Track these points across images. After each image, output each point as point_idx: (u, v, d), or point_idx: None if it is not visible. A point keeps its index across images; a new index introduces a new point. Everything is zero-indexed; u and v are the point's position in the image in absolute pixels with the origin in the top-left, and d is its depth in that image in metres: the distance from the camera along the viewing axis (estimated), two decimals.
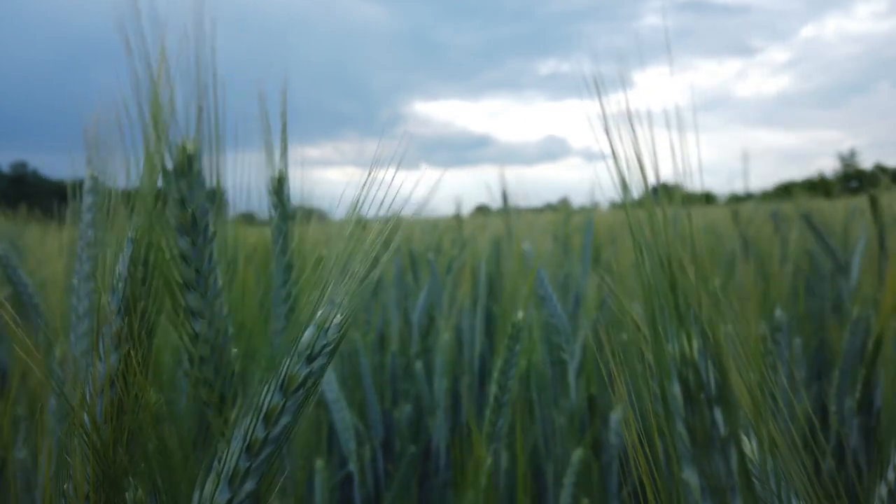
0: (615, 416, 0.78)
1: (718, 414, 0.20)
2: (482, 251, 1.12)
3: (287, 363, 0.23)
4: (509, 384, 0.49)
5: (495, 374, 0.49)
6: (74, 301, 0.51)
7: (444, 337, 1.02)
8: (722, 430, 0.19)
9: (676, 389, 0.20)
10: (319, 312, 0.24)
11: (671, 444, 0.20)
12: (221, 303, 0.25)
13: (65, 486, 0.29)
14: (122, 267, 0.28)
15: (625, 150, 0.20)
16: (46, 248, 0.86)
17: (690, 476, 0.20)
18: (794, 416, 0.22)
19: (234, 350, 0.26)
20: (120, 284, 0.28)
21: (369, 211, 0.25)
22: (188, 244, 0.24)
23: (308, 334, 0.23)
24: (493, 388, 0.49)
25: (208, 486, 0.24)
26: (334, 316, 0.24)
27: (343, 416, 0.77)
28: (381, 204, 0.26)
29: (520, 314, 0.49)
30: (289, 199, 0.32)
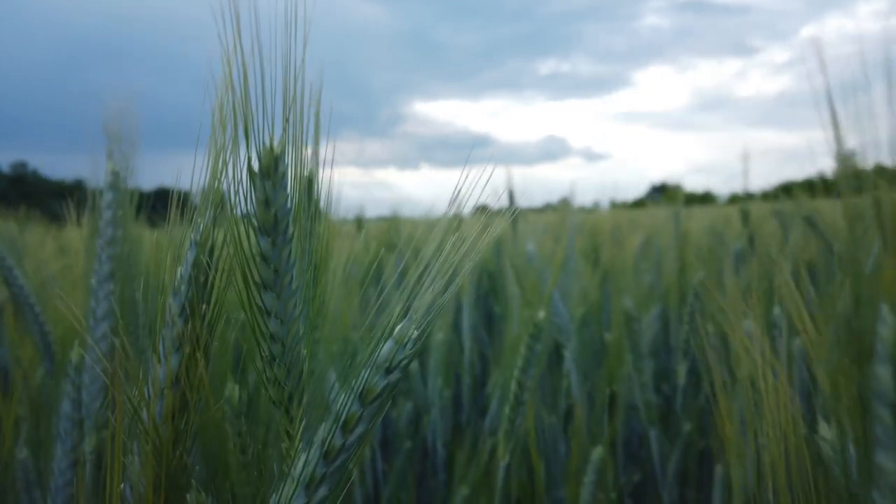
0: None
1: None
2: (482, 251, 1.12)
3: (365, 375, 0.24)
4: (529, 383, 0.49)
5: (515, 373, 0.50)
6: (93, 303, 0.49)
7: (439, 336, 1.02)
8: None
9: (882, 372, 0.20)
10: (398, 327, 0.24)
11: (867, 427, 0.20)
12: (295, 303, 0.25)
13: (121, 487, 0.29)
14: (185, 269, 0.28)
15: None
16: (47, 249, 0.85)
17: (887, 461, 0.20)
18: None
19: (304, 351, 0.26)
20: (182, 287, 0.28)
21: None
22: (269, 244, 0.24)
23: (387, 348, 0.24)
24: (513, 387, 0.49)
25: (286, 490, 0.24)
26: (412, 331, 0.24)
27: None
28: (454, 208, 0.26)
29: (541, 314, 0.49)
30: (318, 199, 0.32)
